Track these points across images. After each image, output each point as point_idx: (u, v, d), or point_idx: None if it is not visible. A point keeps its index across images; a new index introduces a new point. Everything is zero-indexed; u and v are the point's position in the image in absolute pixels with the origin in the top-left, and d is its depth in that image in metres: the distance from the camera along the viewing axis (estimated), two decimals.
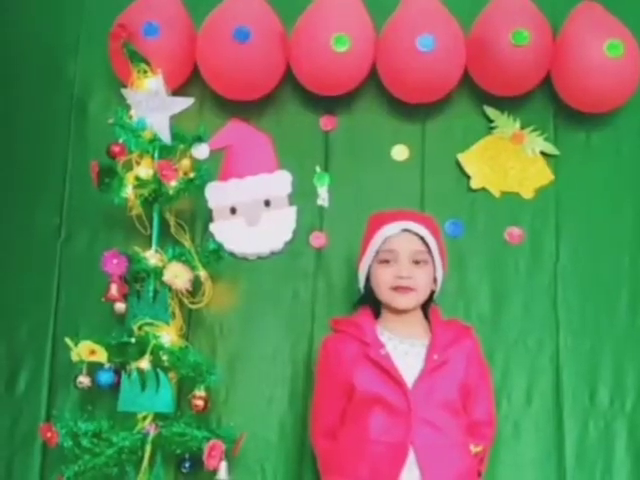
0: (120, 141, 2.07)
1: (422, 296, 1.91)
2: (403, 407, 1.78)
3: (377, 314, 1.96)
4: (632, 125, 2.31)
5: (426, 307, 1.97)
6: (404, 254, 1.88)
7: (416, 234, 1.89)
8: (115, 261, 2.03)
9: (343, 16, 2.14)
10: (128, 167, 2.08)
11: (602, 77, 2.12)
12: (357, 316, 1.97)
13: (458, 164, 2.28)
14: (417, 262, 1.89)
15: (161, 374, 2.00)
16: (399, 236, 1.89)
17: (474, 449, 1.87)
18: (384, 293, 1.90)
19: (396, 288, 1.87)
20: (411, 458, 1.76)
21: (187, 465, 2.05)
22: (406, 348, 1.86)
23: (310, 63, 2.15)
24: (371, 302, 1.96)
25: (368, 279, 1.94)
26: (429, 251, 1.90)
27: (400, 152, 2.29)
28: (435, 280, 1.94)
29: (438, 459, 1.77)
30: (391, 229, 1.90)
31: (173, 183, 2.05)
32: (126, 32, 2.12)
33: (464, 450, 1.85)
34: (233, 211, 2.24)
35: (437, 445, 1.78)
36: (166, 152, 2.10)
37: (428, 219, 1.99)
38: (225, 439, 1.99)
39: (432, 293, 1.96)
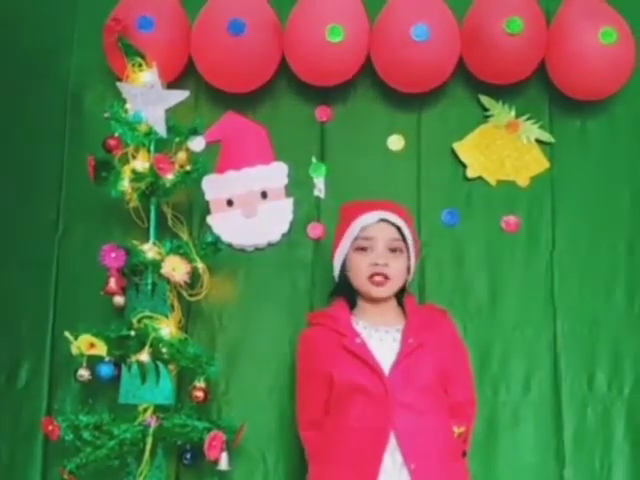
0: (116, 135, 2.07)
1: (397, 284, 1.93)
2: (381, 393, 1.80)
3: (352, 304, 1.97)
4: (627, 112, 2.32)
5: (400, 296, 1.98)
6: (381, 242, 1.90)
7: (393, 224, 1.92)
8: (113, 254, 2.04)
9: (337, 7, 2.14)
10: (124, 161, 2.09)
11: (596, 64, 2.13)
12: (331, 308, 1.99)
13: (454, 153, 2.28)
14: (393, 250, 1.91)
15: (161, 366, 2.01)
16: (376, 225, 1.92)
17: (457, 430, 1.89)
18: (360, 282, 1.92)
19: (372, 276, 1.89)
20: (392, 443, 1.77)
21: (188, 456, 2.07)
22: (381, 335, 1.89)
23: (305, 54, 2.16)
24: (346, 291, 1.97)
25: (343, 268, 1.96)
26: (404, 240, 1.92)
27: (396, 142, 2.30)
28: (408, 269, 1.96)
29: (419, 442, 1.78)
30: (369, 218, 1.92)
31: (169, 176, 2.06)
32: (120, 26, 2.12)
33: (446, 432, 1.86)
34: (230, 203, 2.25)
35: (417, 428, 1.79)
36: (162, 145, 2.11)
37: (403, 210, 2.00)
38: (226, 430, 2.00)
39: (405, 282, 1.98)
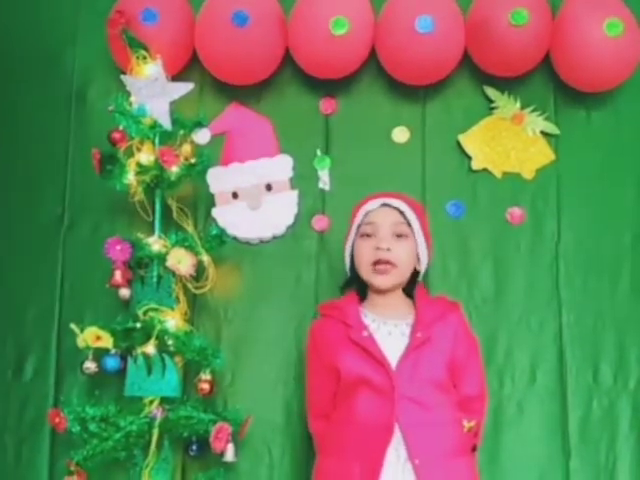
0: (120, 128, 2.07)
1: (403, 272, 1.91)
2: (387, 386, 1.79)
3: (363, 296, 1.97)
4: (632, 103, 2.31)
5: (411, 287, 1.97)
6: (384, 226, 1.89)
7: (396, 208, 1.91)
8: (118, 247, 2.04)
9: None
10: (129, 154, 2.09)
11: (602, 56, 2.12)
12: (341, 299, 1.98)
13: (459, 145, 2.28)
14: (398, 236, 1.90)
15: (167, 358, 2.01)
16: (379, 210, 1.92)
17: (467, 424, 1.88)
18: (365, 270, 1.91)
19: (376, 263, 1.88)
20: (397, 437, 1.77)
21: (194, 448, 2.08)
22: (390, 328, 1.88)
23: (309, 46, 2.15)
24: (357, 284, 1.97)
25: (352, 259, 1.95)
26: (409, 225, 1.91)
27: (400, 134, 2.29)
28: (419, 259, 1.95)
29: (424, 436, 1.78)
30: (372, 204, 1.93)
31: (174, 169, 2.06)
32: (124, 18, 2.11)
33: (454, 426, 1.85)
34: (235, 196, 2.25)
35: (423, 423, 1.78)
36: (167, 138, 2.11)
37: (412, 200, 1.99)
38: (231, 422, 2.00)
39: (418, 274, 1.97)
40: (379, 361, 1.81)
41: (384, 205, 1.92)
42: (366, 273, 1.91)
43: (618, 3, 2.17)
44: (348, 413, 1.84)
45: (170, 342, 2.01)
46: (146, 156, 2.07)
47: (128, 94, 2.10)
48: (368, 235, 1.91)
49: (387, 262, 1.87)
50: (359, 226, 1.92)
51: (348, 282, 2.01)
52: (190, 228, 2.14)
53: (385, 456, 1.76)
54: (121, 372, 2.04)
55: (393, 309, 1.92)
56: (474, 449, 1.92)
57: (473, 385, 1.93)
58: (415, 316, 1.90)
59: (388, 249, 1.87)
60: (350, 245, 1.96)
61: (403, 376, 1.80)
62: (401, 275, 1.91)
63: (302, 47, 2.17)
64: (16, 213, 2.31)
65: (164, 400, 2.04)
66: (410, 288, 1.98)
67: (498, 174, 2.28)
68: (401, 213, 1.91)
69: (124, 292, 2.08)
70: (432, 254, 2.00)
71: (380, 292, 1.92)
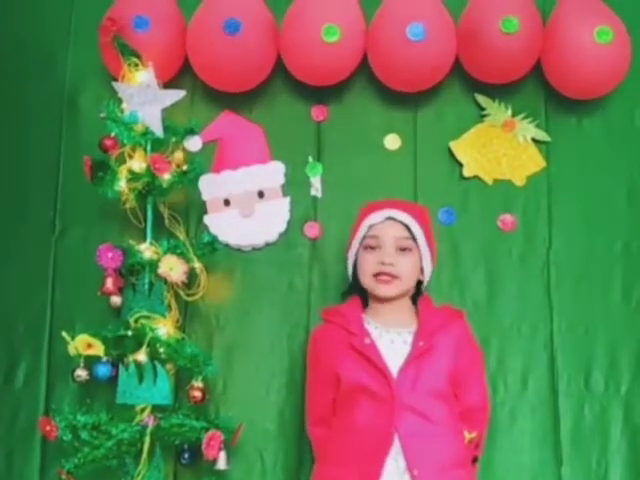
0: (112, 135, 2.07)
1: (406, 284, 1.91)
2: (387, 395, 1.79)
3: (367, 303, 1.97)
4: (623, 110, 2.32)
5: (416, 297, 1.97)
6: (388, 241, 1.89)
7: (401, 222, 1.91)
8: (110, 255, 2.04)
9: (333, 6, 2.14)
10: (121, 160, 2.08)
11: (592, 63, 2.13)
12: (345, 305, 1.98)
13: (450, 152, 2.29)
14: (402, 249, 1.90)
15: (158, 366, 2.01)
16: (383, 223, 1.91)
17: (468, 435, 1.87)
18: (367, 280, 1.91)
19: (378, 275, 1.88)
20: (396, 447, 1.76)
21: (186, 456, 2.07)
22: (392, 336, 1.87)
23: (301, 54, 2.16)
24: (360, 291, 1.97)
25: (356, 268, 1.95)
26: (414, 239, 1.91)
27: (392, 141, 2.30)
28: (422, 270, 1.95)
29: (424, 447, 1.76)
30: (376, 217, 1.92)
31: (166, 176, 2.05)
32: (116, 26, 2.11)
33: (455, 437, 1.84)
34: (227, 203, 2.25)
35: (423, 432, 1.78)
36: (159, 145, 2.11)
37: (416, 208, 2.00)
38: (224, 429, 2.00)
39: (421, 283, 1.97)
40: (380, 369, 1.80)
41: (389, 218, 1.91)
42: (369, 283, 1.91)
43: (608, 10, 2.19)
44: (347, 421, 1.83)
45: (162, 350, 2.00)
46: (138, 163, 2.07)
47: (120, 101, 2.09)
48: (372, 248, 1.90)
49: (390, 276, 1.88)
50: (363, 238, 1.92)
51: (350, 289, 2.01)
52: (182, 235, 2.14)
53: (384, 465, 1.75)
54: (112, 380, 2.03)
55: (396, 317, 1.91)
56: (475, 460, 1.91)
57: (475, 396, 1.92)
58: (418, 325, 1.89)
59: (391, 264, 1.87)
60: (353, 254, 1.95)
61: (404, 385, 1.79)
62: (404, 286, 1.91)
63: (294, 54, 2.18)
64: (7, 220, 2.30)
65: (156, 408, 2.03)
66: (415, 297, 1.97)
67: (489, 181, 2.28)
68: (406, 227, 1.90)
69: (115, 299, 2.07)
70: (436, 262, 2.00)
71: (382, 301, 1.92)
